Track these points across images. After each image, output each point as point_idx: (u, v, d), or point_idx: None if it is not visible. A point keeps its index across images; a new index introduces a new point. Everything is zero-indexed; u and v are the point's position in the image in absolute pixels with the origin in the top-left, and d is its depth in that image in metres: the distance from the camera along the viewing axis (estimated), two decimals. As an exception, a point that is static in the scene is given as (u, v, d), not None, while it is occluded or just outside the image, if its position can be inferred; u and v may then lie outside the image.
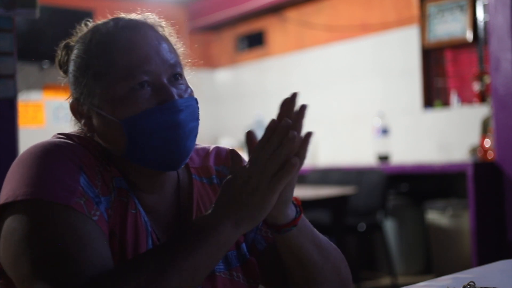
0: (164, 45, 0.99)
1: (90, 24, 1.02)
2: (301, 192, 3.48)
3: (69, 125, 1.05)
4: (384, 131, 4.58)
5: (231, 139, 6.03)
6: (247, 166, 0.88)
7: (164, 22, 1.06)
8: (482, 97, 4.22)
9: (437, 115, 4.53)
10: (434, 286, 1.10)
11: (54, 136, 1.00)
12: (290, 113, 0.87)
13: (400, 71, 4.78)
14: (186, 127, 0.96)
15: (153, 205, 1.02)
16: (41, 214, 0.87)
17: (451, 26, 4.45)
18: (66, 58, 1.03)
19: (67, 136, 0.99)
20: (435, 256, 4.13)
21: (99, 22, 1.02)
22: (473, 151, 4.02)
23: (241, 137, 6.07)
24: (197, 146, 1.14)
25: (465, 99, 4.47)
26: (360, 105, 5.07)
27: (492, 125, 3.66)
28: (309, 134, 0.88)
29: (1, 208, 0.90)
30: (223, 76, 6.56)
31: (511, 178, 3.49)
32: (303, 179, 4.48)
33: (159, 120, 0.94)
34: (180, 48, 1.06)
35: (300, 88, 5.66)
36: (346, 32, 5.19)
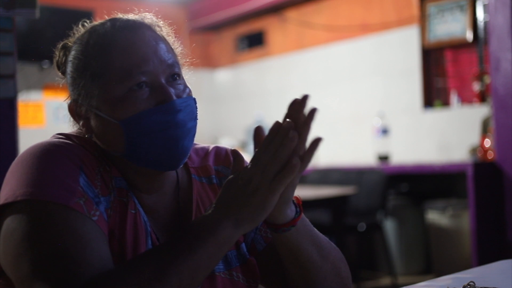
0: (162, 45, 0.99)
1: (88, 25, 1.02)
2: (301, 192, 3.48)
3: (68, 125, 1.05)
4: (384, 131, 4.58)
5: (231, 139, 6.03)
6: (249, 166, 0.88)
7: (161, 22, 1.06)
8: (482, 97, 4.22)
9: (437, 115, 4.53)
10: (434, 286, 1.10)
11: (54, 136, 1.00)
12: (299, 115, 0.86)
13: (400, 71, 4.78)
14: (185, 127, 0.97)
15: (152, 205, 1.02)
16: (40, 215, 0.87)
17: (451, 26, 4.45)
18: (64, 58, 1.03)
19: (67, 136, 0.99)
20: (435, 256, 4.13)
21: (96, 22, 1.02)
22: (473, 151, 4.02)
23: (241, 137, 6.07)
24: (196, 146, 1.14)
25: (465, 99, 4.47)
26: (360, 105, 5.07)
27: (492, 125, 3.66)
28: (317, 140, 0.87)
29: (1, 209, 0.90)
30: (223, 76, 6.56)
31: (511, 178, 3.49)
32: (303, 179, 4.48)
33: (158, 121, 0.94)
34: (178, 47, 1.06)
35: (300, 88, 5.68)
36: (346, 32, 5.19)
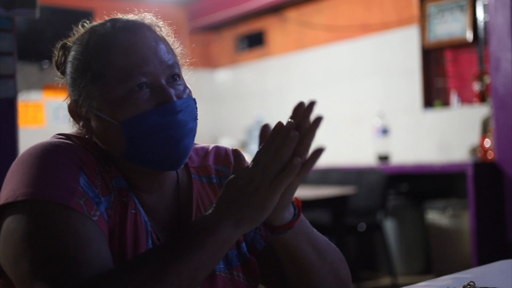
0: (162, 46, 0.99)
1: (87, 25, 1.02)
2: (301, 192, 3.48)
3: (68, 126, 1.05)
4: (384, 131, 4.58)
5: (231, 139, 6.03)
6: (250, 166, 0.88)
7: (161, 22, 1.06)
8: (482, 97, 4.22)
9: (437, 115, 4.53)
10: (434, 286, 1.10)
11: (54, 136, 1.00)
12: (305, 120, 0.86)
13: (400, 71, 4.78)
14: (185, 127, 0.97)
15: (152, 205, 1.02)
16: (41, 215, 0.87)
17: (451, 26, 4.45)
18: (63, 58, 1.03)
19: (67, 136, 0.99)
20: (435, 256, 4.13)
21: (96, 23, 1.01)
22: (473, 151, 4.02)
23: (241, 137, 6.07)
24: (196, 146, 1.14)
25: (465, 99, 4.47)
26: (360, 105, 5.07)
27: (492, 125, 3.66)
28: (320, 150, 0.87)
29: (1, 209, 0.90)
30: (223, 76, 6.56)
31: (511, 178, 3.49)
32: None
33: (158, 122, 0.94)
34: (178, 48, 1.06)
35: (300, 88, 5.68)
36: (346, 32, 5.19)
